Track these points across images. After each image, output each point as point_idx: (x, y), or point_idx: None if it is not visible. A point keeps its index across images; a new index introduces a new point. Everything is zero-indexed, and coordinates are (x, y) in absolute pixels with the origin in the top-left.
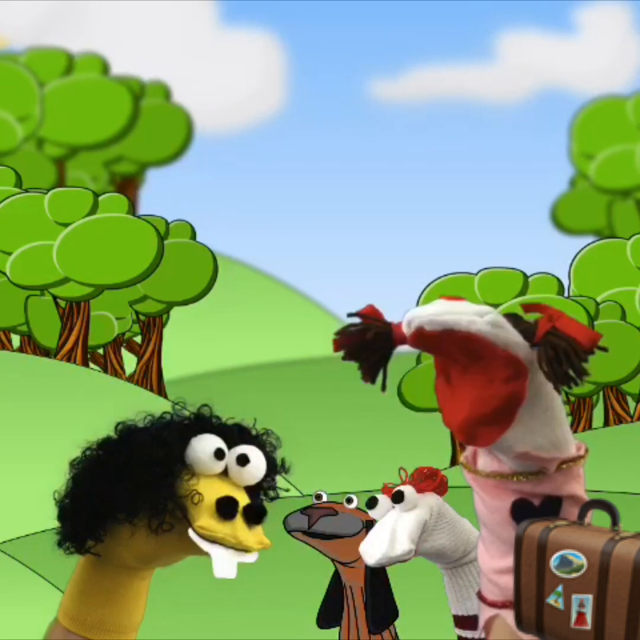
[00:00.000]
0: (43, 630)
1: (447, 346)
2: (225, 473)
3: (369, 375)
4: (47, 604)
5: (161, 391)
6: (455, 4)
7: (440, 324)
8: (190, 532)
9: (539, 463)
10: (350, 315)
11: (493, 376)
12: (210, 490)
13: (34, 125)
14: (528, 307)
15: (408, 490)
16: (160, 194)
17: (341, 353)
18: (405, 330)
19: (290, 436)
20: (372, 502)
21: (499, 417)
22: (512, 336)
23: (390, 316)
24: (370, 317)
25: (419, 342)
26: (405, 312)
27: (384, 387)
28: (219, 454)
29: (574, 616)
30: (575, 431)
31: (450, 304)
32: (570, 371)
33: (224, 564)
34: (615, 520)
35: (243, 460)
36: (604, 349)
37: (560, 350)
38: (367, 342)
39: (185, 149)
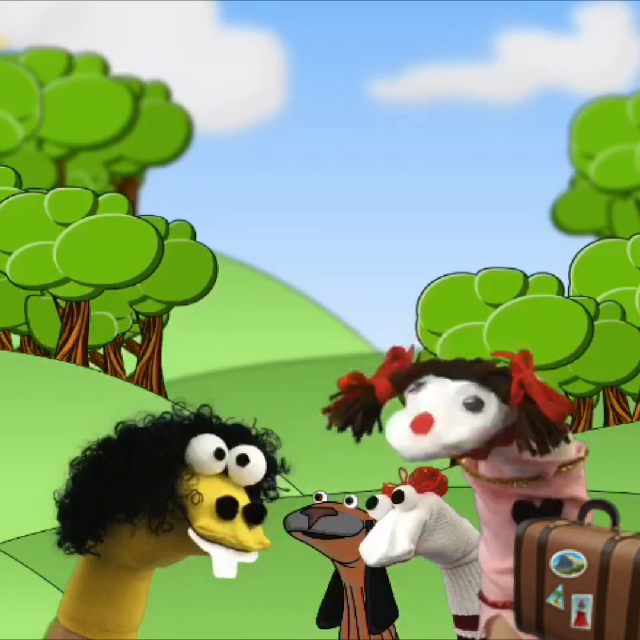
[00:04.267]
0: (43, 630)
1: None
2: (225, 473)
3: (366, 433)
4: (47, 604)
5: (161, 391)
6: (455, 4)
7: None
8: (190, 532)
9: (536, 468)
10: (333, 397)
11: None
12: (210, 490)
13: (34, 125)
14: (497, 354)
15: (408, 490)
16: (160, 194)
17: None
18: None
19: (290, 436)
20: (372, 502)
21: (490, 446)
22: (489, 433)
23: (390, 316)
24: (353, 387)
25: None
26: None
27: (380, 429)
28: (219, 454)
29: (574, 616)
30: (575, 431)
31: (420, 444)
32: (543, 449)
33: (224, 564)
34: (615, 520)
35: (243, 460)
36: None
37: (533, 436)
38: (356, 423)
39: (185, 149)
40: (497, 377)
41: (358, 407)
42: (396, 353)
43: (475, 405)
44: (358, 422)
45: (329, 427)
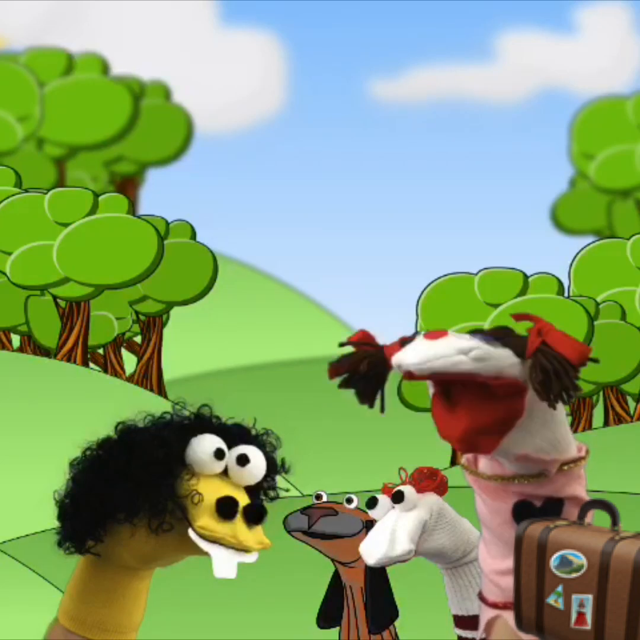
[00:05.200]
0: (43, 630)
1: (441, 378)
2: (225, 473)
3: (367, 400)
4: (47, 604)
5: (161, 391)
6: (455, 4)
7: (428, 370)
8: (190, 532)
9: (539, 465)
10: (342, 344)
11: (491, 392)
12: (210, 490)
13: (34, 125)
14: (518, 317)
15: (408, 490)
16: (160, 194)
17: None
18: (396, 369)
19: (290, 436)
20: (372, 502)
21: (498, 428)
22: (501, 363)
23: (391, 316)
24: (363, 344)
25: (411, 379)
26: (399, 341)
27: (382, 409)
28: (219, 454)
29: (574, 616)
30: (575, 431)
31: (433, 346)
32: (561, 391)
33: (224, 564)
34: (615, 520)
35: (243, 460)
36: (595, 361)
37: (551, 370)
38: (361, 372)
39: (185, 149)
40: (512, 335)
41: (366, 355)
42: (404, 340)
43: (490, 342)
44: (363, 371)
45: (331, 377)
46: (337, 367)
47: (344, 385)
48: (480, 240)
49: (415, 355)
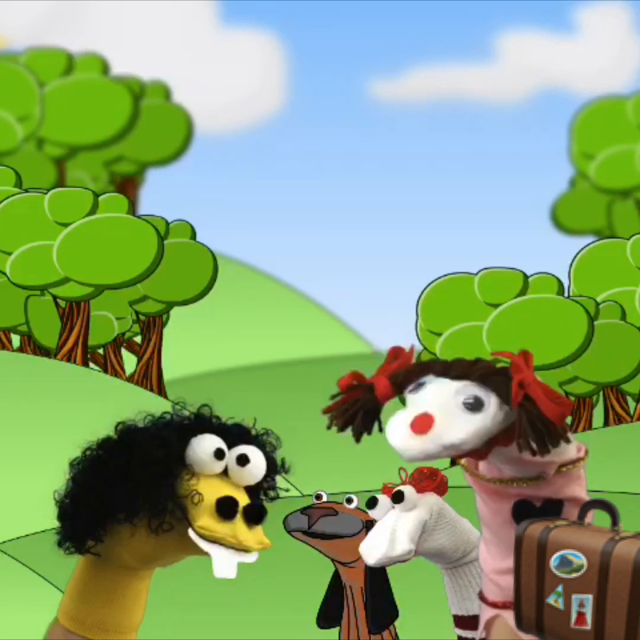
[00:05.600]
0: (43, 630)
1: None
2: (225, 473)
3: (366, 433)
4: (47, 604)
5: (161, 391)
6: (455, 4)
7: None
8: (190, 532)
9: (536, 468)
10: (333, 396)
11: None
12: (210, 490)
13: (34, 125)
14: (497, 354)
15: (408, 490)
16: (160, 194)
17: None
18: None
19: (290, 436)
20: (372, 502)
21: (491, 445)
22: (489, 433)
23: (391, 316)
24: (353, 387)
25: None
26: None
27: (381, 430)
28: (219, 454)
29: (574, 616)
30: (575, 431)
31: (423, 445)
32: (543, 448)
33: (224, 564)
34: (615, 520)
35: (243, 460)
36: (572, 416)
37: (530, 435)
38: (357, 424)
39: (185, 149)
40: (497, 377)
41: (358, 407)
42: (396, 353)
43: (474, 405)
44: (358, 422)
45: (329, 427)
46: (332, 417)
47: (341, 430)
48: (480, 240)
49: (405, 452)
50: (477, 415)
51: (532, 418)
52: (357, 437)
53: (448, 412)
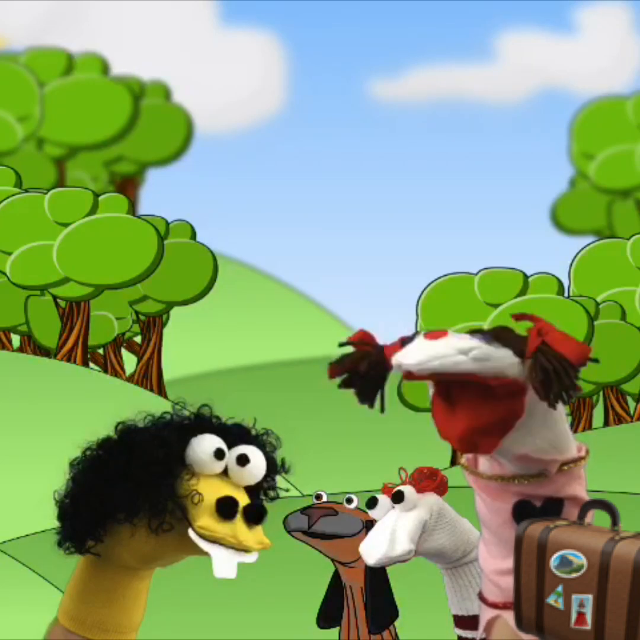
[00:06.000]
0: (43, 630)
1: (440, 377)
2: (225, 473)
3: (367, 400)
4: (47, 604)
5: (161, 391)
6: (455, 4)
7: (428, 370)
8: (190, 532)
9: (539, 465)
10: (342, 344)
11: (491, 392)
12: (210, 490)
13: (34, 125)
14: (518, 317)
15: (408, 490)
16: (160, 194)
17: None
18: (396, 369)
19: (290, 436)
20: (372, 502)
21: (498, 428)
22: (501, 363)
23: (391, 316)
24: (362, 343)
25: (411, 379)
26: (400, 340)
27: (382, 409)
28: (219, 454)
29: (574, 616)
30: (575, 431)
31: (433, 345)
32: (561, 391)
33: (224, 564)
34: (615, 520)
35: (243, 460)
36: (595, 361)
37: (551, 370)
38: (361, 372)
39: (185, 149)
40: (511, 334)
41: (366, 355)
42: (404, 339)
43: (490, 342)
44: (363, 372)
45: (330, 377)
46: (336, 367)
47: (343, 385)
48: (480, 240)
49: (415, 355)
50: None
51: (548, 357)
52: (363, 392)
53: (463, 334)
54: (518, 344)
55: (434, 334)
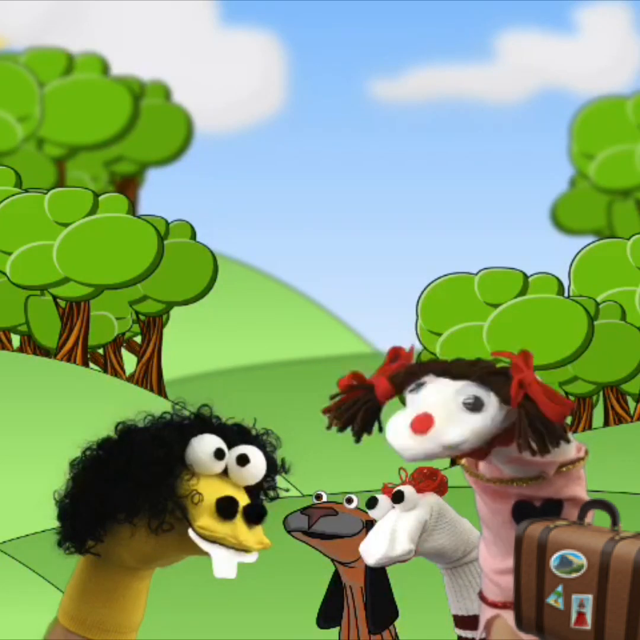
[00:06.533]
0: (43, 630)
1: None
2: (225, 473)
3: (366, 434)
4: (47, 604)
5: (161, 391)
6: (455, 4)
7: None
8: (190, 532)
9: (536, 467)
10: (332, 397)
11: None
12: (210, 490)
13: (34, 125)
14: (497, 354)
15: (408, 490)
16: (160, 194)
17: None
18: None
19: (290, 436)
20: (372, 502)
21: (491, 445)
22: (490, 433)
23: (391, 316)
24: (353, 387)
25: None
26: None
27: (380, 430)
28: (219, 454)
29: (574, 616)
30: (575, 431)
31: (422, 445)
32: (542, 448)
33: (224, 564)
34: (615, 520)
35: (243, 460)
36: (572, 415)
37: (531, 435)
38: (355, 420)
39: (185, 149)
40: (497, 377)
41: (358, 407)
42: (396, 353)
43: (475, 405)
44: (358, 422)
45: (329, 427)
46: (332, 416)
47: (341, 430)
48: (480, 240)
49: (405, 452)
50: (477, 415)
51: (531, 418)
52: (358, 437)
53: (448, 412)
54: (503, 391)
55: (419, 425)
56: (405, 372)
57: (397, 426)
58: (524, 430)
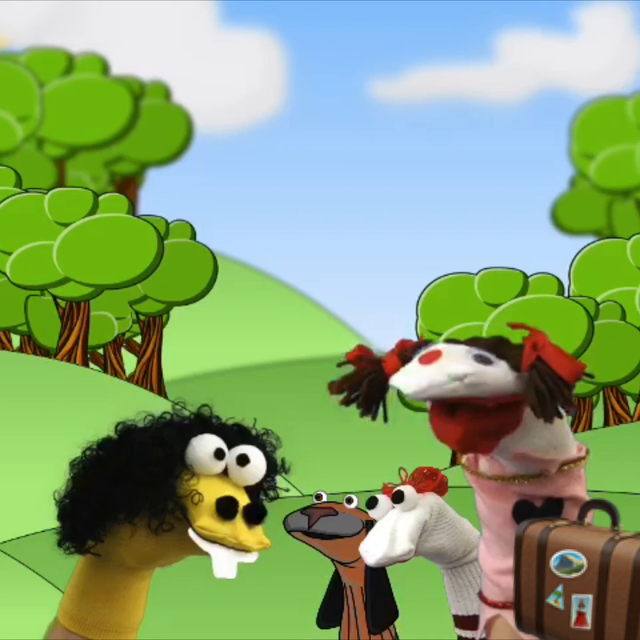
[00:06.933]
0: (43, 630)
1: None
2: (225, 473)
3: (369, 414)
4: (47, 604)
5: (161, 391)
6: (455, 4)
7: (424, 398)
8: (190, 532)
9: (538, 465)
10: (340, 364)
11: (488, 406)
12: (210, 490)
13: (34, 125)
14: (514, 325)
15: (408, 490)
16: (160, 194)
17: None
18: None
19: (290, 436)
20: (372, 502)
21: (496, 432)
22: (497, 383)
23: (390, 316)
24: (361, 360)
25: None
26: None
27: (386, 419)
28: (219, 454)
29: (574, 616)
30: (575, 431)
31: (427, 373)
32: (556, 408)
33: (224, 564)
34: (615, 520)
35: (243, 460)
36: (590, 376)
37: (545, 391)
38: (361, 390)
39: (185, 149)
40: (508, 345)
41: (365, 374)
42: (404, 345)
43: (484, 359)
44: (363, 391)
45: (332, 393)
46: (337, 387)
47: (345, 402)
48: (480, 240)
49: (410, 384)
50: (485, 366)
51: (543, 374)
52: (365, 410)
53: (458, 352)
54: (513, 356)
55: (428, 357)
56: (413, 346)
57: (405, 368)
58: (535, 386)
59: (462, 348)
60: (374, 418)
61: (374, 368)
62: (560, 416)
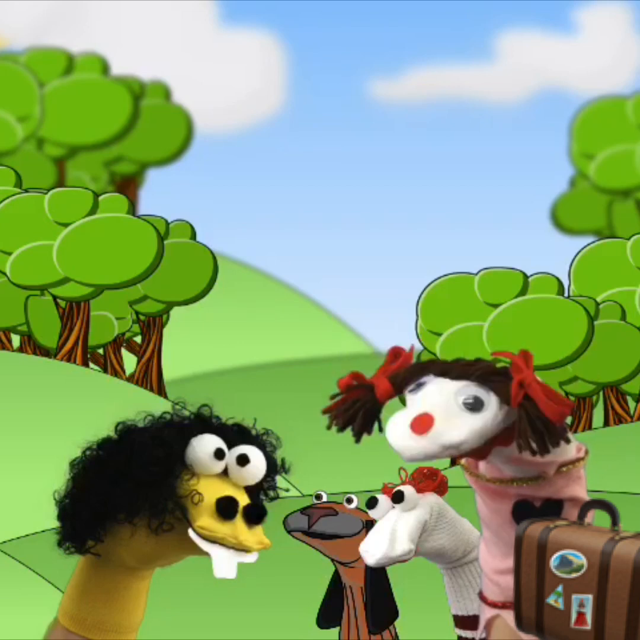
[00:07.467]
0: (43, 630)
1: None
2: (225, 473)
3: (366, 434)
4: (47, 604)
5: (161, 391)
6: (455, 4)
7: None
8: (190, 532)
9: (535, 467)
10: (333, 396)
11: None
12: (210, 490)
13: (34, 125)
14: (497, 354)
15: (408, 490)
16: (160, 194)
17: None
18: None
19: (290, 436)
20: (372, 502)
21: (490, 443)
22: (489, 432)
23: (390, 316)
24: (353, 387)
25: None
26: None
27: (381, 429)
28: (219, 454)
29: (574, 616)
30: (575, 431)
31: (422, 445)
32: (543, 446)
33: (224, 564)
34: (615, 520)
35: (243, 460)
36: (572, 415)
37: (530, 435)
38: (358, 424)
39: (185, 149)
40: (497, 377)
41: (358, 407)
42: (396, 353)
43: (474, 405)
44: (358, 422)
45: (329, 427)
46: (332, 416)
47: (341, 430)
48: (480, 240)
49: (404, 452)
50: (477, 415)
51: (531, 418)
52: (357, 437)
53: (448, 412)
54: (503, 392)
55: (420, 425)
56: (405, 372)
57: (397, 426)
58: (523, 430)
59: (451, 393)
60: (369, 434)
61: (366, 397)
62: (548, 451)
